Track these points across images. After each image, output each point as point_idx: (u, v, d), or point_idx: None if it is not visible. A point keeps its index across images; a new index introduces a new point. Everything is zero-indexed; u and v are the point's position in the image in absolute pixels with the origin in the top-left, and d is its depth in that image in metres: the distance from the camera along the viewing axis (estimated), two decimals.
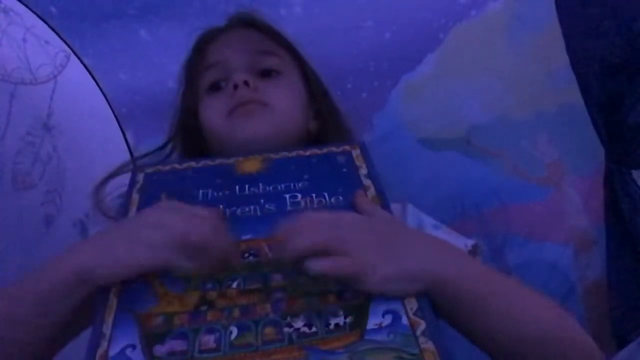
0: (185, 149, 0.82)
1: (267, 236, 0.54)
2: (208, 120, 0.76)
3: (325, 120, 0.81)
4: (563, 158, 0.96)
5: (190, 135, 0.81)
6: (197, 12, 0.90)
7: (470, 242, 0.67)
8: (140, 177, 0.65)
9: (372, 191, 0.60)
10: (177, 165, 0.66)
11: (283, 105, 0.74)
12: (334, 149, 0.66)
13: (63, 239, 0.91)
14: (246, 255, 0.53)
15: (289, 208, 0.58)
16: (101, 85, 0.99)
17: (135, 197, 0.62)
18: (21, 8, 0.91)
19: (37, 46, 0.93)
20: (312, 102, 0.81)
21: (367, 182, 0.61)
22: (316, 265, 0.48)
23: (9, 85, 0.89)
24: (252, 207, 0.58)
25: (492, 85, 0.95)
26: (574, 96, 0.91)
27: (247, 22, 0.83)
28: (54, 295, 0.51)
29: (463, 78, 0.95)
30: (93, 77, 0.98)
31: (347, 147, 0.66)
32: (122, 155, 1.01)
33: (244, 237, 0.55)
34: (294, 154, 0.66)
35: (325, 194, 0.59)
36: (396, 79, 0.96)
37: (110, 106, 1.00)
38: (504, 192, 0.97)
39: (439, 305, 0.50)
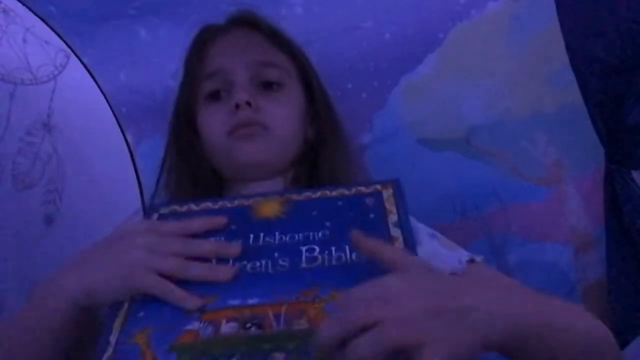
0: (179, 160, 0.81)
1: (275, 301, 0.51)
2: (207, 134, 0.76)
3: (322, 124, 0.81)
4: (563, 158, 0.96)
5: (185, 142, 0.80)
6: (197, 12, 0.90)
7: (465, 257, 0.66)
8: (154, 217, 0.63)
9: (399, 243, 0.55)
10: (193, 206, 0.63)
11: (284, 125, 0.75)
12: (363, 189, 0.61)
13: (63, 239, 0.91)
14: (248, 325, 0.49)
15: (303, 265, 0.54)
16: (101, 85, 0.99)
17: None
18: (21, 8, 0.91)
19: (37, 46, 0.93)
20: (311, 108, 0.81)
21: (395, 232, 0.56)
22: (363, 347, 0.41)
23: (9, 85, 0.89)
24: (264, 262, 0.55)
25: (492, 85, 0.95)
26: (574, 96, 0.91)
27: (248, 23, 0.82)
28: (51, 325, 0.53)
29: (463, 78, 0.95)
30: (93, 77, 0.98)
31: (377, 187, 0.61)
32: (122, 155, 1.01)
33: (250, 302, 0.51)
34: (318, 194, 0.62)
35: (347, 247, 0.55)
36: (396, 79, 0.96)
37: (110, 106, 1.00)
38: (504, 192, 0.97)
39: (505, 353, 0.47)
